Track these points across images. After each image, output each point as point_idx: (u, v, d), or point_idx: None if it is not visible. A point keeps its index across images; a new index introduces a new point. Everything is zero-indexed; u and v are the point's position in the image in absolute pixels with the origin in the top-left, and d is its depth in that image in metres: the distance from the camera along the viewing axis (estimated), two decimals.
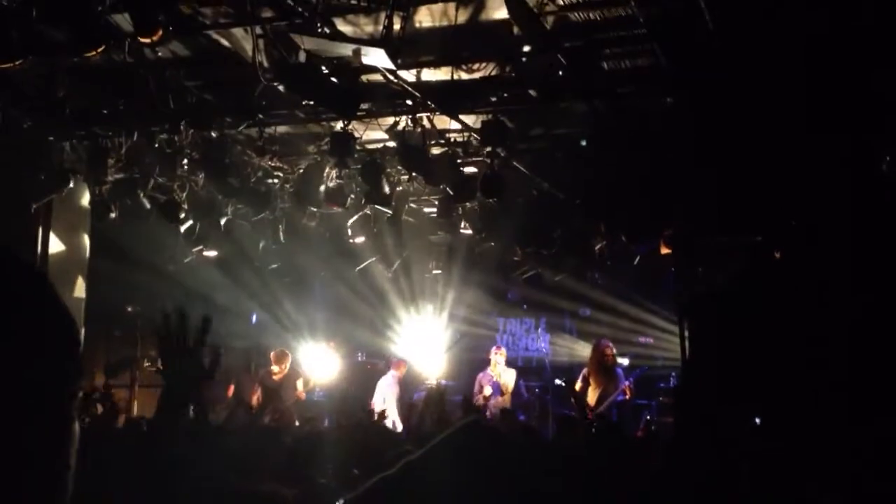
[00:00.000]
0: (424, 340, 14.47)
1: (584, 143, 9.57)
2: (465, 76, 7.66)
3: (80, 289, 10.22)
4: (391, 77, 7.40)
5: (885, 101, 6.82)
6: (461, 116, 8.58)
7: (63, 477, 1.03)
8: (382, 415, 8.73)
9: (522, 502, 1.36)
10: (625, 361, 11.88)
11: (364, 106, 8.15)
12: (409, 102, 8.17)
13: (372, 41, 6.65)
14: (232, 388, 11.34)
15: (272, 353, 11.84)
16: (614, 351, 10.57)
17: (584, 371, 10.55)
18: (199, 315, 2.37)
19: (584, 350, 13.93)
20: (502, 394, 11.24)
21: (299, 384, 11.50)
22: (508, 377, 11.33)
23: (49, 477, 1.01)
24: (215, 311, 12.89)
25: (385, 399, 11.53)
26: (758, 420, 7.03)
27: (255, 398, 11.17)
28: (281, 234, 11.72)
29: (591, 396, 10.27)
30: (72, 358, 1.08)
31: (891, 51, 6.39)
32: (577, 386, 10.47)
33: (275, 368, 11.44)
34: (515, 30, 6.82)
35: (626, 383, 10.27)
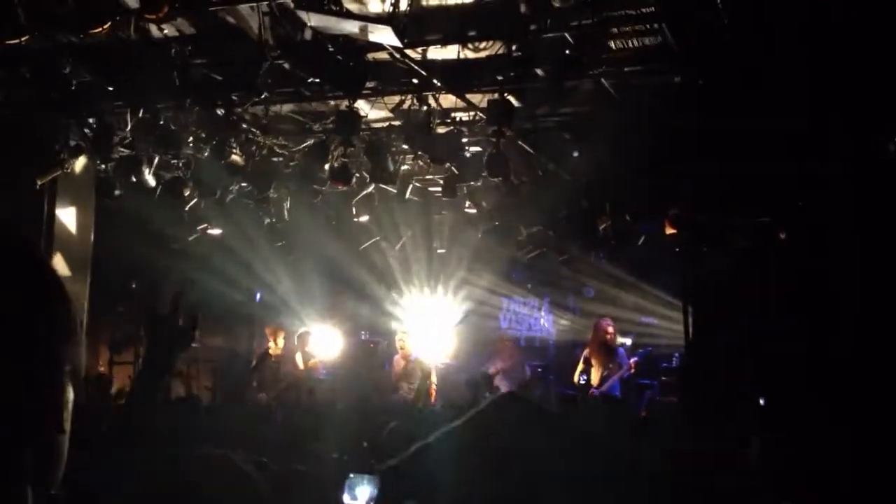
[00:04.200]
0: (428, 319, 14.49)
1: (576, 153, 9.68)
2: (471, 55, 7.62)
3: (84, 266, 10.24)
4: (397, 55, 7.37)
5: (893, 81, 6.78)
6: (467, 95, 8.55)
7: (57, 438, 1.05)
8: None
9: (557, 472, 1.36)
10: (627, 341, 11.92)
11: (370, 84, 8.12)
12: (414, 81, 8.13)
13: (378, 19, 6.61)
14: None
15: (266, 329, 11.92)
16: (615, 330, 10.58)
17: (586, 352, 10.55)
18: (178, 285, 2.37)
19: (588, 330, 13.97)
20: None
21: (298, 360, 11.55)
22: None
23: (44, 440, 1.03)
24: (219, 289, 12.99)
25: None
26: (762, 401, 7.05)
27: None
28: (285, 212, 11.72)
29: (594, 376, 10.30)
30: (68, 331, 1.09)
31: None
32: (580, 367, 10.52)
33: (271, 344, 11.50)
34: (523, 8, 6.78)
35: (629, 362, 10.32)
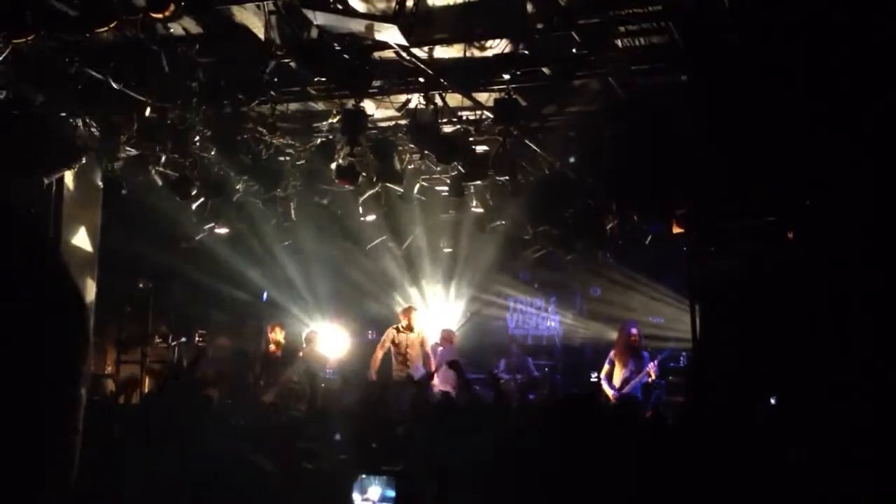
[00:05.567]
0: (434, 318, 14.49)
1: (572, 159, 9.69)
2: (477, 54, 7.61)
3: (91, 264, 10.26)
4: (403, 54, 7.35)
5: None
6: (473, 94, 8.53)
7: (73, 440, 1.06)
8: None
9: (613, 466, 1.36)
10: None
11: (376, 83, 8.11)
12: (421, 80, 8.12)
13: (385, 17, 6.60)
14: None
15: (267, 327, 11.88)
16: (640, 332, 10.66)
17: (611, 353, 10.69)
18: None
19: (594, 330, 13.97)
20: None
21: (302, 359, 11.52)
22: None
23: (60, 439, 1.04)
24: (225, 288, 13.01)
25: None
26: (773, 400, 7.03)
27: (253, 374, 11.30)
28: (292, 211, 11.73)
29: (617, 378, 10.41)
30: (80, 329, 1.10)
31: None
32: (605, 369, 10.62)
33: (272, 344, 11.49)
34: (529, 6, 6.76)
35: (651, 365, 10.35)
